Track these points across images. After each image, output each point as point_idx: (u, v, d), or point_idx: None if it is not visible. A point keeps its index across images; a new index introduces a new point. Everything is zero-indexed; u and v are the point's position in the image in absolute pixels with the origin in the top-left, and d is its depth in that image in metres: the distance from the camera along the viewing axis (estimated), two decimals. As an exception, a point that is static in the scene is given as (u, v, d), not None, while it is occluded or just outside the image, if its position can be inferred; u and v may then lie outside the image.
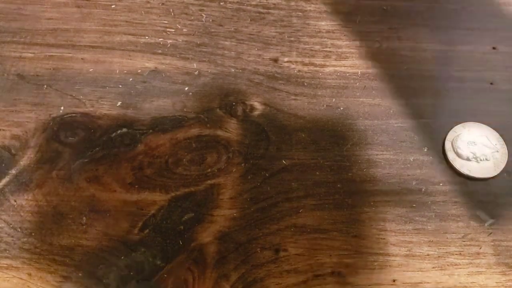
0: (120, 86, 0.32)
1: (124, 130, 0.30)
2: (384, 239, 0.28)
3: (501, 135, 0.30)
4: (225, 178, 0.29)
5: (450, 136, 0.30)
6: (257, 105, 0.32)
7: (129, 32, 0.34)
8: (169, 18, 0.35)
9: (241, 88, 0.32)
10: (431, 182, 0.29)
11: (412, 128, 0.31)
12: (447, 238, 0.28)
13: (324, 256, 0.27)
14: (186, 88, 0.32)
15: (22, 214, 0.28)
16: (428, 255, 0.27)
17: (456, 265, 0.27)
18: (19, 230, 0.28)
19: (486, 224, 0.28)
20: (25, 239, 0.27)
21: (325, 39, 0.34)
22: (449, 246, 0.27)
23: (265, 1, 0.36)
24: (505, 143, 0.30)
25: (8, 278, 0.26)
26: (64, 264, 0.27)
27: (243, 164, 0.30)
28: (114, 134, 0.30)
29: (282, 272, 0.27)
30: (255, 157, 0.30)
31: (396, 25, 0.34)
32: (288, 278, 0.27)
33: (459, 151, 0.29)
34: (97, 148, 0.30)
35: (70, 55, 0.33)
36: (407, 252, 0.27)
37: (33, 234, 0.28)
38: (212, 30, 0.35)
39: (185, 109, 0.31)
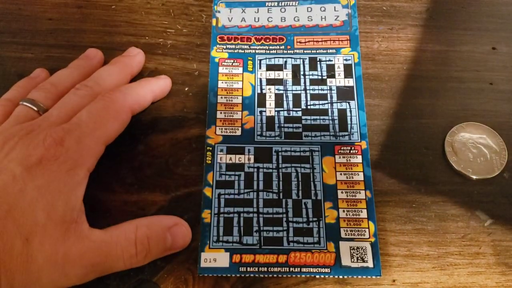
0: (120, 86, 0.32)
1: (125, 130, 0.30)
2: (384, 239, 0.28)
3: (501, 135, 0.30)
4: (225, 178, 0.29)
5: (449, 136, 0.30)
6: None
7: (129, 32, 0.34)
8: (169, 18, 0.35)
9: (241, 89, 0.32)
10: (431, 182, 0.29)
11: (411, 128, 0.31)
12: (447, 238, 0.28)
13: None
14: (186, 88, 0.32)
15: (22, 214, 0.28)
16: (428, 255, 0.27)
17: (455, 265, 0.27)
18: (20, 230, 0.28)
19: (485, 224, 0.28)
20: (25, 239, 0.27)
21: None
22: (449, 246, 0.27)
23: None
24: (505, 143, 0.30)
25: (8, 278, 0.26)
26: (64, 264, 0.27)
27: (243, 164, 0.30)
28: (114, 134, 0.30)
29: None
30: (255, 157, 0.30)
31: (396, 25, 0.35)
32: (288, 278, 0.27)
33: (459, 151, 0.30)
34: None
35: (71, 55, 0.33)
36: (407, 252, 0.27)
37: (33, 234, 0.28)
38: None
39: (185, 109, 0.32)
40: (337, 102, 0.31)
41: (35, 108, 0.27)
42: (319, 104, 0.31)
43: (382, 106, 0.32)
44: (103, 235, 0.24)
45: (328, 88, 0.32)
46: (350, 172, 0.29)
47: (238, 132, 0.30)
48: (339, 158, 0.29)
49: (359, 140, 0.30)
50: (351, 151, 0.29)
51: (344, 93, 0.31)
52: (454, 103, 0.32)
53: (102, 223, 0.28)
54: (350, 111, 0.31)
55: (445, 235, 0.28)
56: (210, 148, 0.30)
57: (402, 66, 0.33)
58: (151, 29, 0.34)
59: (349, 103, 0.31)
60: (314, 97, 0.31)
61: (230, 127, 0.30)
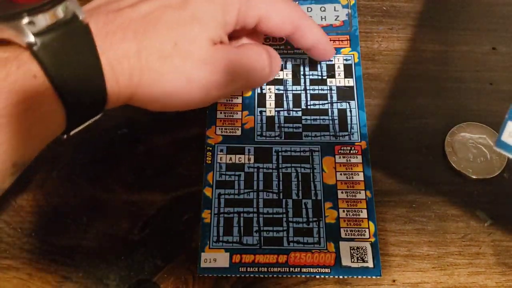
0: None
1: (124, 130, 0.31)
2: (383, 239, 0.28)
3: (501, 135, 0.30)
4: (225, 178, 0.29)
5: (449, 136, 0.30)
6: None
7: (129, 32, 0.34)
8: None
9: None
10: (431, 182, 0.29)
11: (412, 128, 0.31)
12: (447, 238, 0.28)
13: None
14: (186, 89, 0.32)
15: (22, 214, 0.28)
16: (428, 255, 0.27)
17: (456, 265, 0.27)
18: (19, 230, 0.28)
19: (485, 224, 0.28)
20: (25, 240, 0.27)
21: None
22: (449, 246, 0.27)
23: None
24: (505, 143, 0.30)
25: (8, 279, 0.26)
26: (64, 264, 0.27)
27: (243, 164, 0.30)
28: (114, 135, 0.30)
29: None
30: (255, 157, 0.30)
31: (396, 25, 0.35)
32: (288, 279, 0.27)
33: (459, 151, 0.30)
34: (98, 149, 0.30)
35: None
36: (407, 252, 0.27)
37: (33, 234, 0.28)
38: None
39: (185, 109, 0.31)
40: (337, 102, 0.31)
41: None
42: (319, 104, 0.31)
43: (382, 106, 0.32)
44: (240, 49, 0.26)
45: (328, 88, 0.32)
46: (350, 172, 0.29)
47: (238, 132, 0.30)
48: (339, 158, 0.29)
49: (359, 140, 0.30)
50: (351, 151, 0.29)
51: (344, 93, 0.31)
52: (454, 103, 0.32)
53: (102, 223, 0.28)
54: (350, 111, 0.31)
55: (445, 235, 0.28)
56: (210, 148, 0.30)
57: (402, 66, 0.33)
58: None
59: (349, 103, 0.31)
60: (314, 97, 0.31)
61: (230, 127, 0.30)
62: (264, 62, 0.27)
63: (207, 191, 0.28)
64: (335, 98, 0.31)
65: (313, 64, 0.32)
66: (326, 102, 0.31)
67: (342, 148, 0.30)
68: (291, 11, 0.27)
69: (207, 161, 0.29)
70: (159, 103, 0.25)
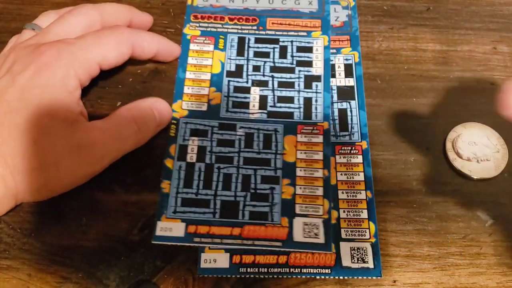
0: (120, 86, 0.32)
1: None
2: (384, 239, 0.28)
3: (501, 135, 0.30)
4: (225, 178, 0.29)
5: (450, 136, 0.30)
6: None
7: (129, 32, 0.34)
8: (169, 18, 0.35)
9: (241, 88, 0.32)
10: (432, 182, 0.29)
11: (412, 128, 0.31)
12: (448, 238, 0.28)
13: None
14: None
15: (22, 214, 0.28)
16: (428, 255, 0.27)
17: (456, 265, 0.27)
18: (19, 230, 0.28)
19: (486, 225, 0.28)
20: (25, 240, 0.27)
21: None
22: (450, 246, 0.27)
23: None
24: (506, 143, 0.30)
25: (8, 279, 0.26)
26: (64, 265, 0.27)
27: (243, 165, 0.30)
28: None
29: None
30: (255, 157, 0.30)
31: (396, 25, 0.34)
32: (288, 279, 0.27)
33: (460, 151, 0.29)
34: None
35: (70, 55, 0.32)
36: (408, 253, 0.27)
37: (33, 234, 0.28)
38: (212, 30, 0.35)
39: (185, 109, 0.31)
40: (337, 102, 0.31)
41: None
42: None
43: (382, 106, 0.32)
44: (104, 123, 0.27)
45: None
46: (351, 172, 0.29)
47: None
48: (340, 158, 0.29)
49: (359, 140, 0.30)
50: (352, 151, 0.29)
51: (345, 93, 0.31)
52: (454, 103, 0.32)
53: (102, 224, 0.28)
54: (351, 111, 0.31)
55: (446, 235, 0.28)
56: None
57: (402, 66, 0.33)
58: (151, 28, 0.34)
59: (349, 102, 0.31)
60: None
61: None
62: (133, 127, 0.27)
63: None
64: (335, 98, 0.31)
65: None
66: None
67: (342, 148, 0.30)
68: (120, 40, 0.29)
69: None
70: (42, 192, 0.26)
